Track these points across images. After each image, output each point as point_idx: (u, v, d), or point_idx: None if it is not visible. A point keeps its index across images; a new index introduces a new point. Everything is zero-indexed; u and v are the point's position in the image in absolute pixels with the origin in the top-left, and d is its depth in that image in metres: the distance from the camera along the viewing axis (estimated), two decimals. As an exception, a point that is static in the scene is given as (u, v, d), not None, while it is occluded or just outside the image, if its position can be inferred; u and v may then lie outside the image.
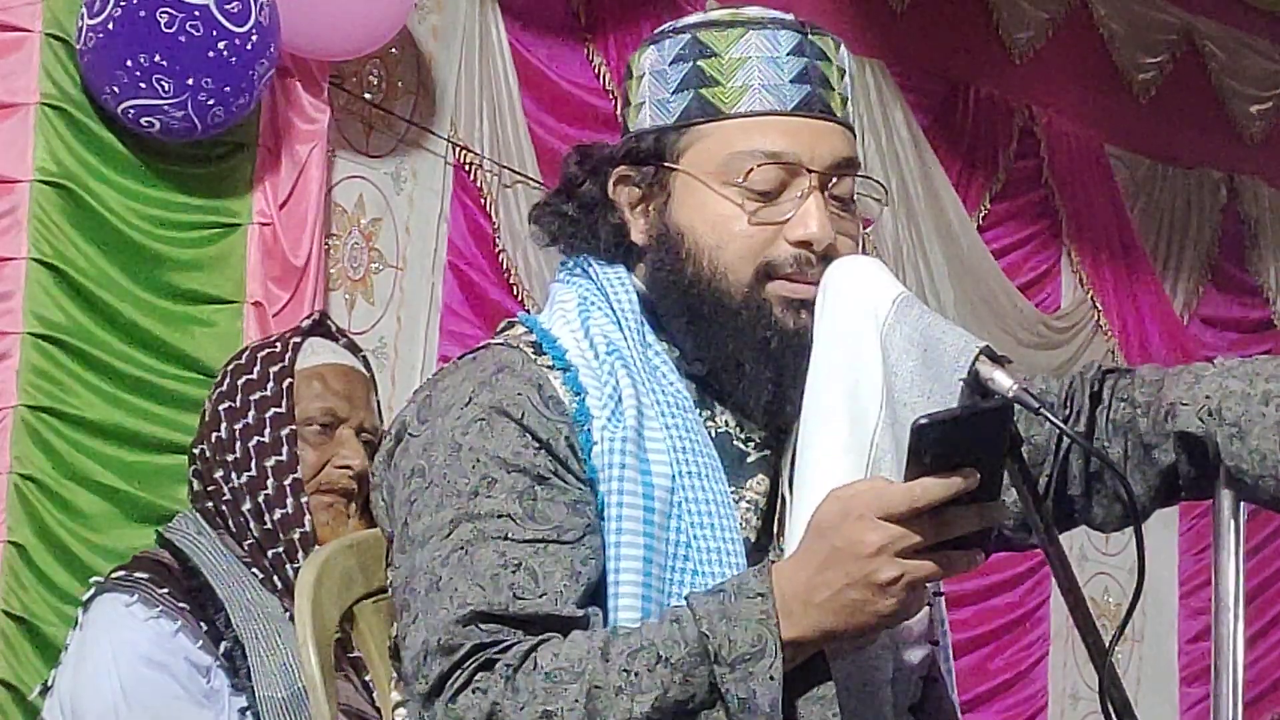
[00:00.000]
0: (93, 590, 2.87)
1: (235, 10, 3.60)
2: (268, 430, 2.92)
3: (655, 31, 2.00)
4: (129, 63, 3.56)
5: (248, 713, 2.78)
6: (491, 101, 4.41)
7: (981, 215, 5.59)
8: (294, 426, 2.93)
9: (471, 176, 4.41)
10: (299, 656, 2.05)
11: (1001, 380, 1.80)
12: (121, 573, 2.87)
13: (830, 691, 1.79)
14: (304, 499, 2.89)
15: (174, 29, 3.56)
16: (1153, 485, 1.96)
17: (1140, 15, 6.00)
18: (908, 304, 1.85)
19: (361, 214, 4.27)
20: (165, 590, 2.81)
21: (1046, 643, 5.66)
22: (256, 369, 2.98)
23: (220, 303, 3.85)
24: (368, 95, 4.26)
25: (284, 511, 2.89)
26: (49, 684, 2.90)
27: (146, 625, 2.79)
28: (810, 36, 1.94)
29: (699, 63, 1.93)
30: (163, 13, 3.56)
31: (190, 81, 3.58)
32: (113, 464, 3.66)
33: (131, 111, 3.61)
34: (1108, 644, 1.79)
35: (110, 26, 3.56)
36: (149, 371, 3.72)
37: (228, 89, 3.62)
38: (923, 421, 1.66)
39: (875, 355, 1.83)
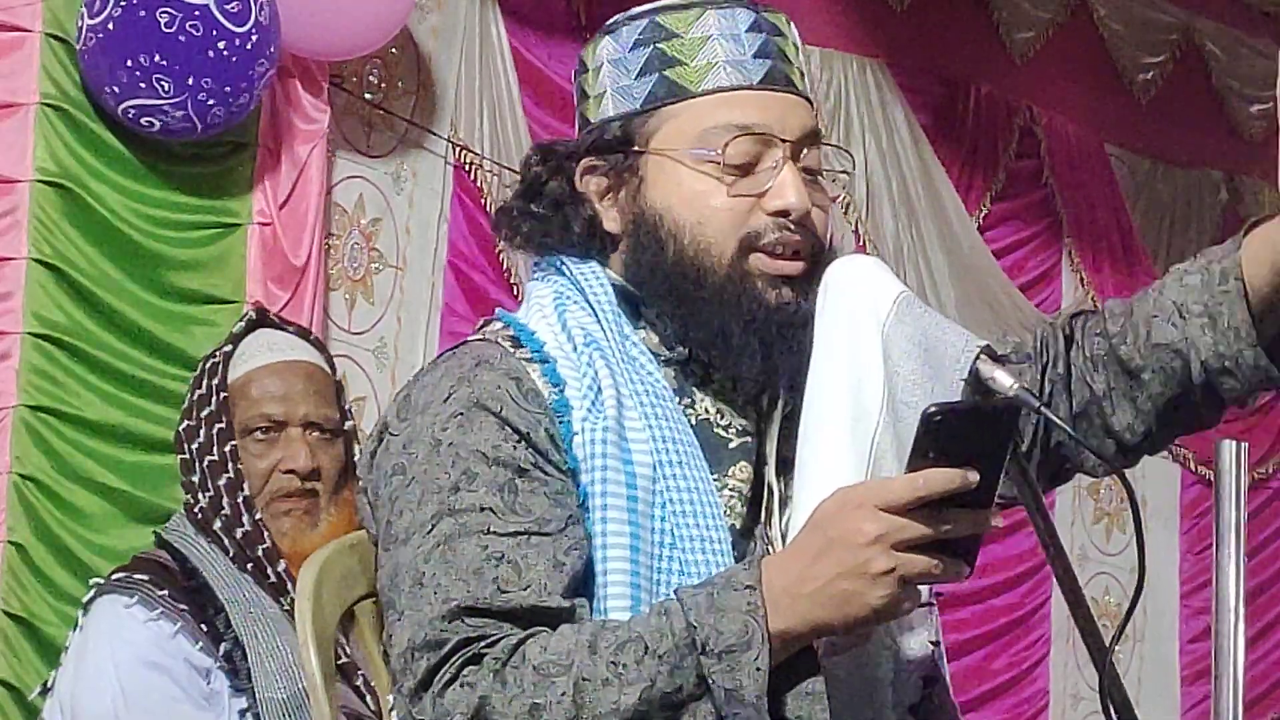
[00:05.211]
0: (93, 591, 2.87)
1: (235, 10, 3.60)
2: (215, 447, 2.89)
3: (607, 23, 1.99)
4: (129, 63, 3.56)
5: (248, 714, 2.78)
6: (491, 101, 4.41)
7: (982, 215, 5.59)
8: (234, 441, 2.90)
9: (471, 176, 4.41)
10: (299, 657, 2.05)
11: (1002, 379, 1.80)
12: (121, 574, 2.87)
13: (820, 687, 1.78)
14: (257, 515, 2.87)
15: (174, 29, 3.56)
16: (1145, 411, 1.96)
17: (1140, 15, 6.00)
18: (909, 303, 1.85)
19: (361, 214, 4.27)
20: (165, 592, 2.81)
21: (1047, 643, 5.66)
22: (204, 381, 2.94)
23: (220, 303, 3.84)
24: (368, 95, 4.26)
25: (244, 529, 2.86)
26: (49, 685, 2.90)
27: (146, 627, 2.79)
28: (763, 13, 1.95)
29: (660, 45, 1.92)
30: (163, 13, 3.56)
31: (190, 81, 3.58)
32: (113, 464, 3.66)
33: (131, 111, 3.61)
34: (1108, 644, 1.79)
35: (110, 26, 3.56)
36: (149, 371, 3.71)
37: (228, 89, 3.62)
38: (933, 410, 1.65)
39: (876, 354, 1.83)
